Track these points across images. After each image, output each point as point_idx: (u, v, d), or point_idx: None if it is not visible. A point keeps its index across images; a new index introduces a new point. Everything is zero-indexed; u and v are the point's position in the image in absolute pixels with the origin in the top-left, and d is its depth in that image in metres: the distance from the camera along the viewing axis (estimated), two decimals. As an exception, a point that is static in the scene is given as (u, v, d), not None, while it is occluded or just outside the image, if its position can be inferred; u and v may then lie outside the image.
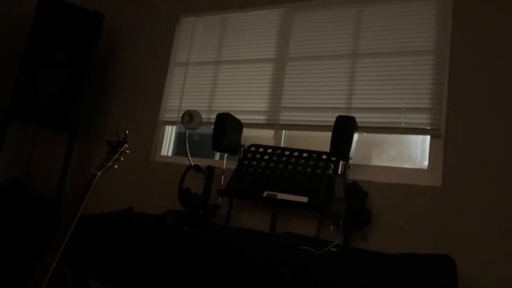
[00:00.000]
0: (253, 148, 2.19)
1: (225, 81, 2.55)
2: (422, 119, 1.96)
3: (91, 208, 2.30)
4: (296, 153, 2.07)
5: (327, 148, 1.88)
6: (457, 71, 1.91)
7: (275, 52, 2.43)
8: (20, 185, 2.65)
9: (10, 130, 2.57)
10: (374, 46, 2.15)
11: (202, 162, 2.27)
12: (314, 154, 2.04)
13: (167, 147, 2.74)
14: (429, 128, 1.94)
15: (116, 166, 1.77)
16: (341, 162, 1.91)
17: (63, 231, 1.61)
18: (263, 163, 2.10)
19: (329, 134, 1.85)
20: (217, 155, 2.52)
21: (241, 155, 2.20)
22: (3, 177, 2.62)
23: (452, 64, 1.93)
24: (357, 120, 1.89)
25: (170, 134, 2.76)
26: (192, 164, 2.18)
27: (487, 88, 1.83)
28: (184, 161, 2.32)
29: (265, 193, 1.94)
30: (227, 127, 2.09)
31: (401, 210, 1.86)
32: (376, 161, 2.13)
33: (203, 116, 2.32)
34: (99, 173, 1.72)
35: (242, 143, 2.23)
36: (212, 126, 2.14)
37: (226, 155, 2.22)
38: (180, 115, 2.33)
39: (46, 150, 2.99)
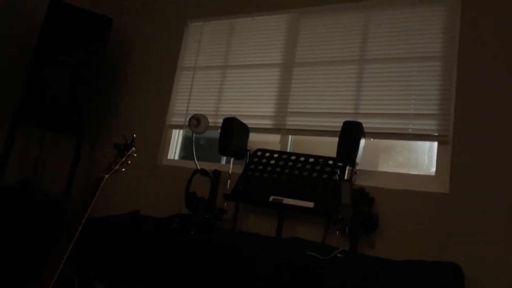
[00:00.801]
0: (259, 153, 2.19)
1: (232, 86, 2.56)
2: (429, 125, 1.95)
3: (98, 211, 2.32)
4: (302, 158, 2.07)
5: (333, 154, 1.88)
6: (465, 77, 1.90)
7: (282, 57, 2.44)
8: (28, 188, 2.67)
9: (18, 132, 2.60)
10: (382, 52, 2.15)
11: (209, 166, 2.28)
12: (321, 159, 2.04)
13: (174, 151, 2.75)
14: (436, 134, 1.93)
15: (123, 170, 1.79)
16: (347, 168, 1.91)
17: (70, 234, 1.62)
18: (269, 168, 2.10)
19: (335, 140, 1.86)
20: (224, 159, 2.53)
21: (248, 159, 2.20)
22: (12, 179, 2.65)
23: (460, 70, 1.92)
24: (364, 125, 1.89)
25: (177, 138, 2.77)
26: (199, 168, 2.19)
27: (496, 94, 1.82)
28: (191, 165, 2.33)
29: (271, 198, 1.95)
30: (234, 131, 2.10)
31: (408, 217, 1.85)
32: (383, 167, 2.13)
33: (210, 120, 2.33)
34: (107, 176, 1.73)
35: (248, 148, 2.23)
36: (219, 130, 2.14)
37: (232, 159, 2.23)
38: (187, 119, 2.34)
39: (54, 153, 3.02)
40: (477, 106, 1.84)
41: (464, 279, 1.52)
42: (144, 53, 2.98)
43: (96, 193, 1.70)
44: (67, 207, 2.60)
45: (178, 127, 2.72)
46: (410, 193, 1.87)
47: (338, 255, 1.66)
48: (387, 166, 2.14)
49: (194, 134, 2.27)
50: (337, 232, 1.83)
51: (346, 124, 1.86)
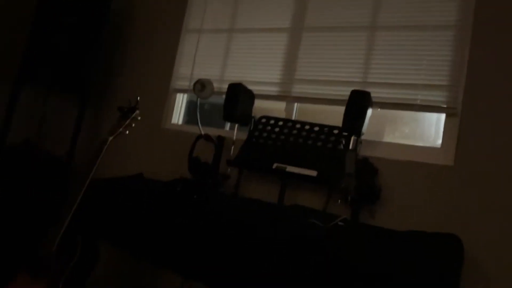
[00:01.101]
0: (264, 120, 2.19)
1: (238, 50, 2.52)
2: (439, 96, 1.92)
3: (102, 173, 2.34)
4: (307, 127, 2.07)
5: (339, 123, 1.87)
6: (479, 48, 1.86)
7: (291, 22, 2.38)
8: (32, 148, 2.70)
9: (22, 92, 2.60)
10: (394, 19, 2.09)
11: (212, 132, 2.28)
12: (326, 128, 2.03)
13: (178, 115, 2.74)
14: (445, 106, 1.91)
15: (127, 132, 1.79)
16: (353, 138, 1.91)
17: (74, 194, 1.65)
18: (273, 135, 2.10)
19: (341, 109, 1.84)
20: (228, 125, 2.53)
21: (252, 126, 2.20)
22: (15, 139, 2.67)
23: (473, 40, 1.87)
24: (372, 95, 1.86)
25: (181, 102, 2.76)
26: (203, 133, 2.19)
27: (509, 68, 1.78)
28: (195, 129, 2.33)
29: (274, 165, 1.96)
30: (239, 97, 2.08)
31: (411, 188, 1.86)
32: (389, 138, 2.12)
33: (215, 85, 2.31)
34: (110, 138, 1.74)
35: (253, 114, 2.23)
36: (224, 96, 2.13)
37: (236, 125, 2.23)
38: (192, 83, 2.32)
39: (58, 114, 3.02)
40: (489, 79, 1.81)
41: (464, 251, 1.55)
42: (149, 14, 2.92)
43: (100, 155, 1.71)
44: (70, 167, 2.63)
45: (183, 91, 2.70)
46: (415, 165, 1.88)
47: (339, 223, 1.69)
48: (393, 137, 2.13)
49: (198, 99, 2.26)
50: (339, 201, 1.85)
51: (354, 93, 1.83)
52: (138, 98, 1.86)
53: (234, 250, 1.45)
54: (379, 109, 2.07)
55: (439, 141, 1.94)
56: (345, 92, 2.00)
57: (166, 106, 2.71)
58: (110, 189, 1.88)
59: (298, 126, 2.09)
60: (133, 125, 1.83)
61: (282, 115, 2.31)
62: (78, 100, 2.69)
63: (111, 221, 1.77)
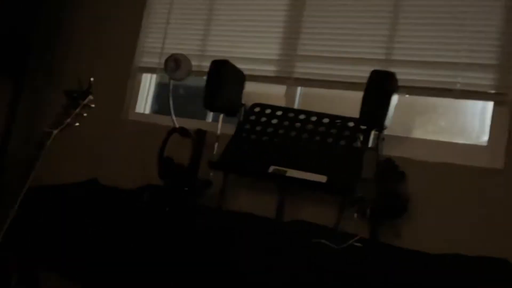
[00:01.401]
0: (257, 109, 2.19)
1: (224, 17, 2.53)
2: (485, 79, 1.94)
3: (44, 178, 2.31)
4: (314, 118, 2.07)
5: (355, 113, 1.88)
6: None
7: (293, -19, 2.39)
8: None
9: None
10: (427, -22, 2.11)
11: (190, 124, 2.28)
12: (338, 120, 2.04)
13: (144, 102, 2.75)
14: (493, 91, 1.92)
15: (77, 124, 1.77)
16: (373, 132, 1.92)
17: (8, 205, 1.62)
18: (270, 129, 2.10)
19: (359, 95, 1.85)
20: (210, 116, 2.52)
21: (242, 117, 2.20)
22: None
23: (530, 7, 1.89)
24: (398, 77, 1.87)
25: (148, 85, 2.77)
26: (177, 126, 2.18)
27: None
28: (166, 121, 2.32)
29: (271, 169, 1.96)
30: (224, 79, 2.09)
31: (448, 198, 1.87)
32: (420, 133, 2.15)
33: (193, 63, 2.30)
34: (55, 131, 1.72)
35: (243, 102, 2.22)
36: (205, 77, 2.12)
37: (221, 116, 2.23)
38: (163, 60, 2.31)
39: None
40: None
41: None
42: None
43: (41, 153, 1.69)
44: (3, 170, 2.60)
45: (150, 70, 2.70)
46: (453, 168, 1.89)
47: (355, 244, 1.71)
48: (425, 132, 2.16)
49: (171, 81, 2.26)
50: (355, 215, 1.86)
51: (374, 75, 1.84)
52: (92, 79, 1.84)
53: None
54: (407, 96, 2.08)
55: (485, 137, 1.96)
56: (362, 73, 2.00)
57: (129, 90, 2.70)
58: (54, 200, 1.87)
59: (302, 117, 2.10)
60: (85, 114, 1.82)
61: (282, 102, 2.32)
62: (11, 82, 2.66)
63: (56, 243, 1.76)
